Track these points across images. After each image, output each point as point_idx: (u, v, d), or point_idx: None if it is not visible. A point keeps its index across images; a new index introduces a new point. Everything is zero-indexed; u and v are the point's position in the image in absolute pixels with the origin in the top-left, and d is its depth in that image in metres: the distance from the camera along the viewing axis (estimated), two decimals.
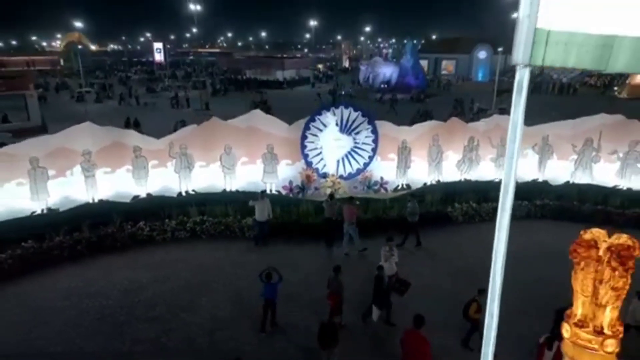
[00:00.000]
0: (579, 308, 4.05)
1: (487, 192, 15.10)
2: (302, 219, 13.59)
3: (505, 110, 32.19)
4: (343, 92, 51.55)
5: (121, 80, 65.89)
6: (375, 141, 15.73)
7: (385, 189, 15.91)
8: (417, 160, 16.34)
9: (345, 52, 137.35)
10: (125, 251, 12.39)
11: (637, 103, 42.74)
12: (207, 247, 12.79)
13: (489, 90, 46.68)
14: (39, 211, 13.25)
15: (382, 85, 50.93)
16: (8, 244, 11.47)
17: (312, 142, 15.43)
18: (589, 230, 3.99)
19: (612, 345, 3.90)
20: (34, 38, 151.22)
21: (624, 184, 15.59)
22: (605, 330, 3.94)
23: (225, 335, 9.05)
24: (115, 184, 14.62)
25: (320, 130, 15.39)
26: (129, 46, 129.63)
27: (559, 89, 49.47)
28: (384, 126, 16.14)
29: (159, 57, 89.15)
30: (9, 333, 8.99)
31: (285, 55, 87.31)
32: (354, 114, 15.42)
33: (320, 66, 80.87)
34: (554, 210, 14.88)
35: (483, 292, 8.37)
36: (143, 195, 14.67)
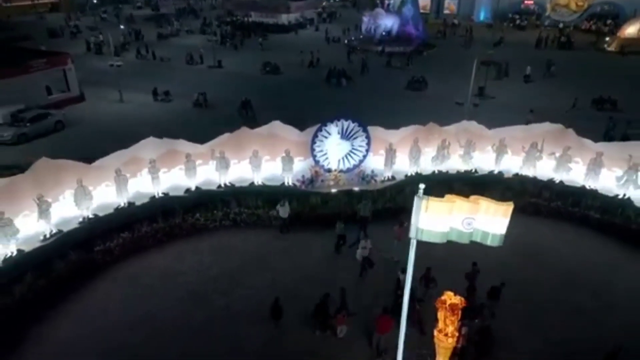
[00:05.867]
0: (440, 324, 9.31)
1: (453, 182, 19.82)
2: (312, 210, 18.68)
3: (482, 90, 35.53)
4: (346, 41, 54.08)
5: (128, 20, 67.30)
6: (369, 144, 20.34)
7: (375, 181, 20.78)
8: (400, 156, 21.03)
9: None
10: (189, 238, 17.59)
11: (628, 62, 45.27)
12: (245, 233, 17.96)
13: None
14: (122, 205, 18.37)
15: (383, 33, 53.24)
16: (110, 234, 16.69)
17: (319, 146, 20.05)
18: (445, 293, 9.11)
19: (451, 341, 9.23)
20: None
21: (557, 177, 20.38)
22: (449, 334, 9.22)
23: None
24: (171, 179, 19.58)
25: (326, 137, 19.94)
26: None
27: (558, 44, 52.21)
28: (376, 130, 20.60)
29: None
30: (130, 304, 14.32)
31: None
32: (352, 125, 19.87)
33: (324, 3, 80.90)
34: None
35: (430, 268, 13.85)
36: (193, 187, 19.69)
